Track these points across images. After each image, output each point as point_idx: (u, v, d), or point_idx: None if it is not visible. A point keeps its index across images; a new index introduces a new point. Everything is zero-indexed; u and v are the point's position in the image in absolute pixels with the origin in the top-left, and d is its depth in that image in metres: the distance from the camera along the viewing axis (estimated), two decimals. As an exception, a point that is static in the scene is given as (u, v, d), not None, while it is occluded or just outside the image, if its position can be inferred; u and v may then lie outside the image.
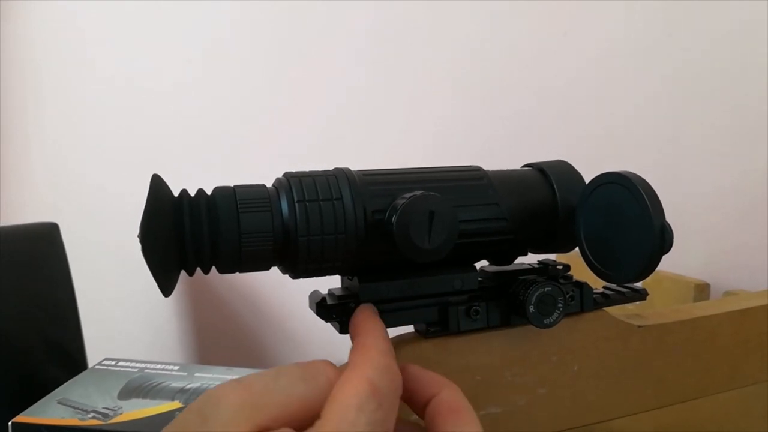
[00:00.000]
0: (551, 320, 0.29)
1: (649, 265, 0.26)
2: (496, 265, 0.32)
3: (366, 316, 0.27)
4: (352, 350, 0.25)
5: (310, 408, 0.22)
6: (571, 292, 0.30)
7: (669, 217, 0.26)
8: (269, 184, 0.27)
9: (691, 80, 0.74)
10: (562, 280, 0.30)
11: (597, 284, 0.32)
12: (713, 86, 0.73)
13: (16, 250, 0.82)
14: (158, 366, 0.75)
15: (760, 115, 0.70)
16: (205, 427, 0.20)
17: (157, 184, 0.24)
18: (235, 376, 0.71)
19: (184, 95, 1.00)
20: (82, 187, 1.07)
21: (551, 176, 0.30)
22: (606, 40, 0.78)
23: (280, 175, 0.27)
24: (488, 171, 0.30)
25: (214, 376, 0.73)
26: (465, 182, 0.29)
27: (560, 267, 0.31)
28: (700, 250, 0.73)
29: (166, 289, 0.24)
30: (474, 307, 0.29)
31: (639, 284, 0.32)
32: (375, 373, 0.22)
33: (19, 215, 1.06)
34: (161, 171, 0.25)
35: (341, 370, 0.23)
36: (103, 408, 0.63)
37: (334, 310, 0.28)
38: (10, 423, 0.61)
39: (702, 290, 0.64)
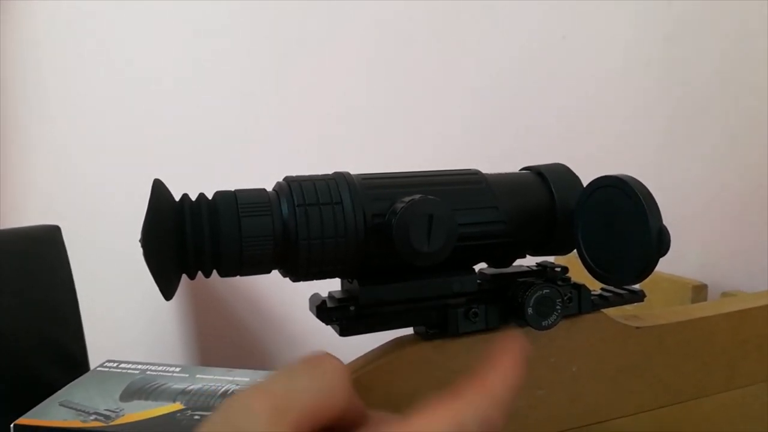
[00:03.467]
0: (549, 322, 0.29)
1: (646, 268, 0.26)
2: (495, 267, 0.32)
3: (512, 349, 0.25)
4: (473, 376, 0.24)
5: (328, 400, 0.22)
6: (569, 294, 0.30)
7: (666, 220, 0.26)
8: (270, 188, 0.27)
9: (688, 82, 0.74)
10: (560, 282, 0.30)
11: (595, 286, 0.32)
12: (711, 88, 0.73)
13: (18, 253, 0.83)
14: (160, 368, 0.75)
15: (758, 116, 0.70)
16: None
17: (159, 189, 0.24)
18: (236, 378, 0.72)
19: (186, 99, 1.00)
20: (84, 190, 1.07)
21: (549, 179, 0.31)
22: (604, 42, 0.78)
23: (280, 179, 0.28)
24: (486, 174, 0.30)
25: (216, 377, 0.73)
26: (463, 185, 0.29)
27: (558, 269, 0.31)
28: (697, 251, 0.73)
29: (168, 292, 0.24)
30: (473, 310, 0.29)
31: (637, 286, 0.33)
32: (472, 420, 0.22)
33: (21, 218, 1.06)
34: (163, 175, 0.26)
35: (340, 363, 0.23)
36: (105, 410, 0.64)
37: (334, 313, 0.28)
38: (12, 425, 0.61)
39: (700, 291, 0.64)
